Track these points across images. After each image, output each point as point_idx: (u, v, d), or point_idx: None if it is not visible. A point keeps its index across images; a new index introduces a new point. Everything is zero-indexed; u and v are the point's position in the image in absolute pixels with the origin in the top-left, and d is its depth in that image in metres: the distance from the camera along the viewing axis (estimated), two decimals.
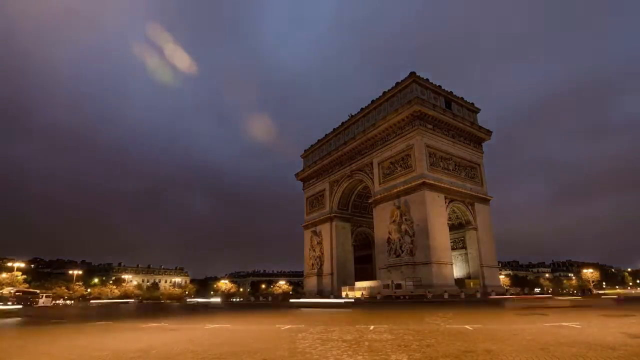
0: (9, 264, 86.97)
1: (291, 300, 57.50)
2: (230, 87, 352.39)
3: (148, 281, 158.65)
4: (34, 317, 30.14)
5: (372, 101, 70.69)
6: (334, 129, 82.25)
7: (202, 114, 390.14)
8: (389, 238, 60.00)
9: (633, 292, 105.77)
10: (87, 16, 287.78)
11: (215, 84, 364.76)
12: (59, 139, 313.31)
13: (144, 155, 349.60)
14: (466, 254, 62.46)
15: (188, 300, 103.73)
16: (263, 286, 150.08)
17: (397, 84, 64.98)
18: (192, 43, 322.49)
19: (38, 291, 72.35)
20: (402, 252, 57.21)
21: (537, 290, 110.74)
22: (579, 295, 69.73)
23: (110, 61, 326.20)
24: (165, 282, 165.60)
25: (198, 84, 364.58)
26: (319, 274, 78.45)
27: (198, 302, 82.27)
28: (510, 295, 52.75)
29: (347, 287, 64.71)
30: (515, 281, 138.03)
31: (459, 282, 57.33)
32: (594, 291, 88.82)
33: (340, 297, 62.40)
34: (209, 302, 77.70)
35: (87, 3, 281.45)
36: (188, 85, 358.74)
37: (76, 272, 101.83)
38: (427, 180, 56.47)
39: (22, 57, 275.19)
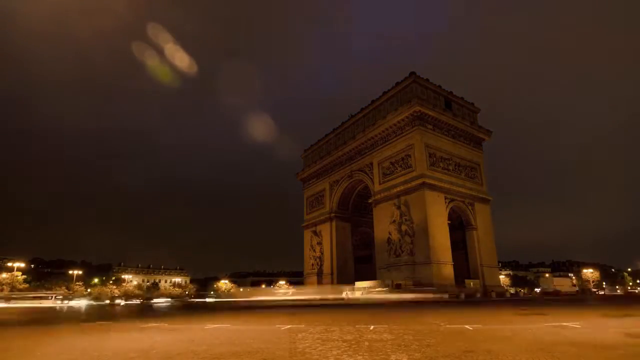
0: (9, 264, 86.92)
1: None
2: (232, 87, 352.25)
3: (148, 281, 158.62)
4: (35, 317, 30.15)
5: (372, 101, 70.66)
6: (333, 129, 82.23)
7: (198, 112, 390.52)
8: (389, 238, 60.00)
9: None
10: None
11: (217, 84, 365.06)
12: (57, 138, 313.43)
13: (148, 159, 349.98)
14: (466, 254, 62.41)
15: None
16: (263, 286, 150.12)
17: (397, 84, 64.95)
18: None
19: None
20: (402, 252, 57.23)
21: (537, 290, 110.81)
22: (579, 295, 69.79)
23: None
24: (166, 282, 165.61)
25: (199, 84, 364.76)
26: (319, 274, 78.49)
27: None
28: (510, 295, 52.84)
29: (347, 287, 64.69)
30: (515, 281, 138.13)
31: (459, 282, 57.35)
32: (594, 291, 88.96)
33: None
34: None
35: None
36: (187, 85, 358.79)
37: (76, 272, 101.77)
38: (427, 180, 56.45)
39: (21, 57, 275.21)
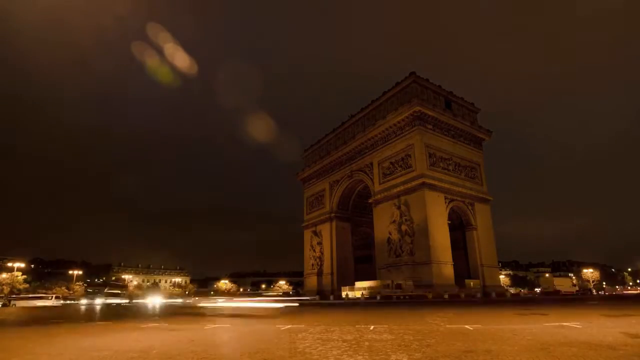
0: (9, 264, 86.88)
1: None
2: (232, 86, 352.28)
3: (148, 281, 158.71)
4: (35, 317, 30.16)
5: (372, 101, 70.66)
6: (333, 129, 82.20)
7: (198, 113, 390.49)
8: (389, 238, 60.00)
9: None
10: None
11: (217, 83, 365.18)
12: (60, 139, 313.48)
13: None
14: (466, 254, 62.40)
15: None
16: (263, 286, 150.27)
17: (397, 84, 64.94)
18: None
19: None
20: (402, 252, 57.22)
21: (537, 290, 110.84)
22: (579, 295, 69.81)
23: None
24: (166, 282, 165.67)
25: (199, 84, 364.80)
26: (319, 274, 78.48)
27: None
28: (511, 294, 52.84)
29: (347, 287, 64.65)
30: (515, 281, 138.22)
31: (459, 282, 57.34)
32: (594, 291, 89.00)
33: (340, 297, 62.35)
34: None
35: None
36: (192, 84, 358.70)
37: (76, 272, 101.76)
38: (427, 180, 56.46)
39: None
